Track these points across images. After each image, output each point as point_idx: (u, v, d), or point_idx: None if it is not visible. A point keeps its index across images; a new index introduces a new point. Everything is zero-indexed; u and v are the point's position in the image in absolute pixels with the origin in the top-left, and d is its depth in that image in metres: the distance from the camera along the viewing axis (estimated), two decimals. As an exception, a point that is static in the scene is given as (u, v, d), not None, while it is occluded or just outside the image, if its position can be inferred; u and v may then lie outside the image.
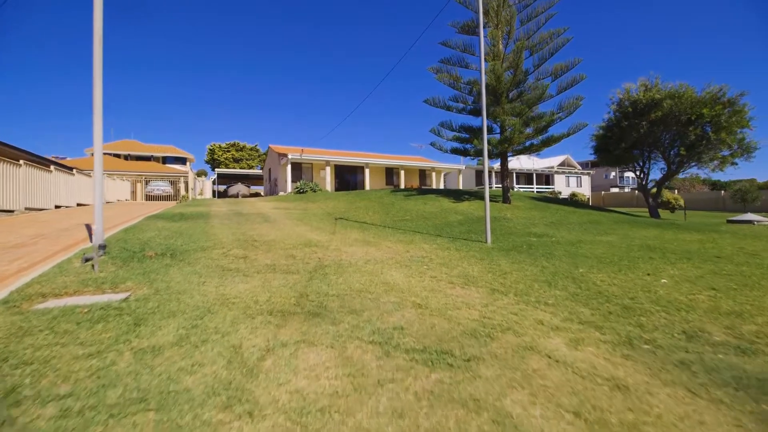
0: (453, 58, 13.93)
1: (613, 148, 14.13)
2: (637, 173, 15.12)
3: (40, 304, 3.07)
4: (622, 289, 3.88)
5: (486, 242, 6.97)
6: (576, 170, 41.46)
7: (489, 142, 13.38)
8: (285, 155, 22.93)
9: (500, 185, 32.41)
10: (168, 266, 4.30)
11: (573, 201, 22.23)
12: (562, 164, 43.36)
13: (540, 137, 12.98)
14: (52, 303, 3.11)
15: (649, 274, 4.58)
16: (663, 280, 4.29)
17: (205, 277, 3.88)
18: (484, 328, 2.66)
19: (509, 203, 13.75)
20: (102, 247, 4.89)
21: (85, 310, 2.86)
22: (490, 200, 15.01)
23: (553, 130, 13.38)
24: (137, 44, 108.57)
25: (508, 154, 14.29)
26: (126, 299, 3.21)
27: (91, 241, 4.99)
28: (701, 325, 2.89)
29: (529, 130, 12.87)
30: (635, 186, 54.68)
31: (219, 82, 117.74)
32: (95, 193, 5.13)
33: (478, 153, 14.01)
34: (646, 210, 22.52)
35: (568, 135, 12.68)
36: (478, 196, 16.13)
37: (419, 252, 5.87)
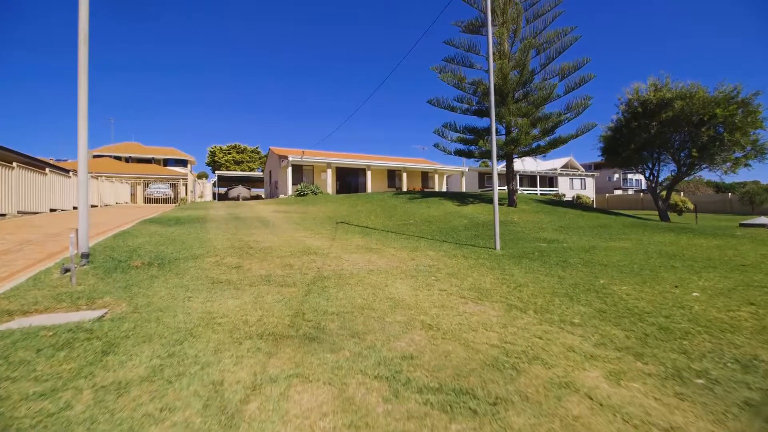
0: (457, 57, 13.61)
1: (622, 149, 13.74)
2: (647, 175, 14.72)
3: (2, 325, 2.73)
4: (652, 304, 3.51)
5: (495, 248, 6.61)
6: (580, 172, 41.02)
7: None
8: (285, 157, 22.63)
9: (504, 187, 32.07)
10: (153, 278, 3.96)
11: (579, 204, 21.81)
12: (565, 166, 42.94)
13: (547, 138, 12.62)
14: (16, 323, 2.77)
15: (677, 287, 4.21)
16: (694, 294, 3.91)
17: (191, 291, 3.53)
18: (507, 357, 2.29)
19: (515, 206, 13.37)
20: (85, 255, 4.55)
21: (50, 334, 2.51)
22: (492, 203, 14.66)
23: (561, 131, 13.03)
24: (139, 45, 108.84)
25: (514, 156, 13.94)
26: (100, 318, 2.86)
27: (77, 248, 4.66)
28: (753, 351, 2.52)
29: (535, 131, 12.51)
30: (639, 188, 54.33)
31: (221, 83, 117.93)
32: (79, 197, 4.81)
33: (483, 155, 13.66)
34: (654, 213, 22.07)
35: (577, 136, 12.32)
36: (483, 198, 15.76)
37: (425, 260, 5.51)
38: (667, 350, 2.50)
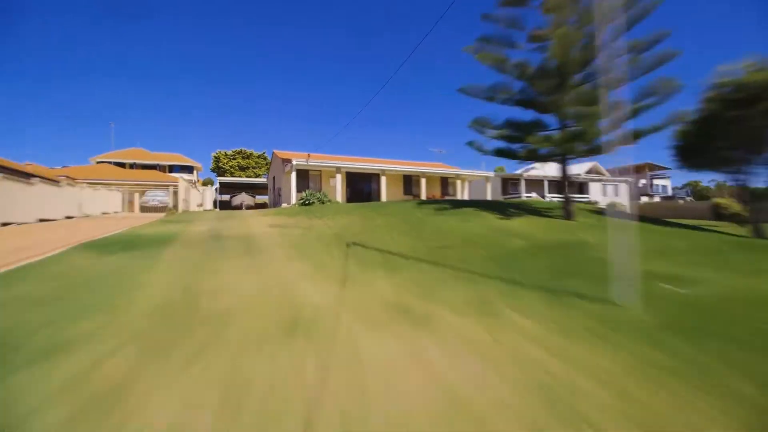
0: (495, 36, 10.99)
1: (708, 147, 10.83)
2: (738, 179, 11.71)
3: None
4: None
5: (616, 303, 3.86)
6: (609, 177, 37.65)
7: (548, 141, 10.28)
8: (289, 161, 20.13)
9: (529, 195, 28.73)
10: None
11: (634, 215, 18.68)
12: (589, 171, 39.57)
13: (618, 132, 9.79)
14: None
15: None
16: None
17: None
18: None
19: (572, 219, 10.54)
20: None
21: None
22: (541, 215, 11.82)
23: (631, 124, 10.17)
24: (138, 47, 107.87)
25: (567, 158, 11.15)
26: None
27: None
28: None
29: (603, 124, 9.71)
30: (665, 194, 50.32)
31: (225, 86, 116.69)
32: None
33: (531, 155, 10.93)
34: (710, 223, 18.87)
35: (661, 128, 9.47)
36: (524, 208, 12.94)
37: (528, 348, 2.77)
38: None
